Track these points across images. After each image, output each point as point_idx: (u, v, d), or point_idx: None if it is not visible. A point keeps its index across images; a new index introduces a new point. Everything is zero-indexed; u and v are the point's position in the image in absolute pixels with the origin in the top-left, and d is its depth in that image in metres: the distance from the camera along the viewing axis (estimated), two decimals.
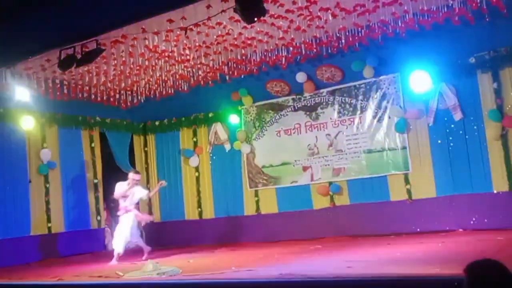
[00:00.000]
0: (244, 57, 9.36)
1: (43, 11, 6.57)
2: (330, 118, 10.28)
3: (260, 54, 9.22)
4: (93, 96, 10.35)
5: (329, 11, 7.60)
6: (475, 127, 8.88)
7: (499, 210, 8.48)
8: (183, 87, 10.33)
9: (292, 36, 8.52)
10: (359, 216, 9.78)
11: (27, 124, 9.88)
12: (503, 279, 2.40)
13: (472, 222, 8.75)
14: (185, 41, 8.28)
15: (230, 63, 9.61)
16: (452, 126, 9.08)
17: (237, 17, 6.67)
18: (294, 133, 10.67)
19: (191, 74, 9.99)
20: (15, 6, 6.53)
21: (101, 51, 7.34)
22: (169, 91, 10.53)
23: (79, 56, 7.24)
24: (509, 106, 8.57)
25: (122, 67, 9.34)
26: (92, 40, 7.09)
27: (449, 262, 5.46)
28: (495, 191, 8.65)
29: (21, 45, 7.05)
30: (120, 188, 9.12)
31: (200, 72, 9.95)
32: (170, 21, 7.28)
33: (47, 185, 10.54)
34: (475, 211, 8.75)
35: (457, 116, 8.97)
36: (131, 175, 9.20)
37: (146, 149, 12.51)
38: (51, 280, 7.17)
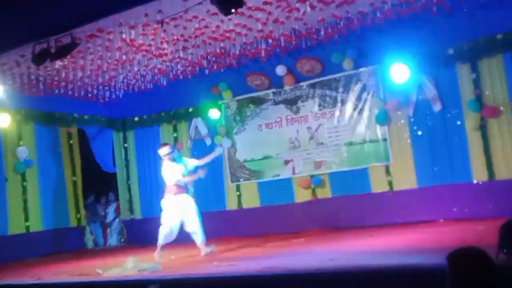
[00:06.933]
0: (223, 51, 9.24)
1: (15, 5, 6.42)
2: (311, 111, 10.25)
3: (239, 47, 9.09)
4: (70, 92, 10.19)
5: (307, 2, 7.52)
6: (454, 118, 8.92)
7: (479, 200, 8.55)
8: (162, 82, 10.22)
9: (270, 28, 8.43)
10: (341, 209, 9.77)
11: (2, 121, 9.73)
12: (485, 266, 2.40)
13: (453, 212, 8.80)
14: (162, 35, 8.15)
15: (209, 57, 9.49)
16: (432, 117, 9.12)
17: (214, 9, 6.58)
18: (275, 126, 10.62)
19: (169, 69, 9.86)
20: None
21: (76, 45, 7.18)
22: (148, 86, 10.40)
23: (53, 51, 7.08)
24: (488, 96, 8.61)
25: (99, 61, 9.16)
26: (67, 34, 6.94)
27: (431, 252, 5.46)
28: (475, 181, 8.71)
29: None
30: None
31: (179, 66, 9.81)
32: (147, 14, 7.15)
33: (25, 184, 10.38)
34: (455, 201, 8.80)
35: (437, 107, 8.99)
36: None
37: (125, 145, 12.37)
38: (29, 279, 7.04)
